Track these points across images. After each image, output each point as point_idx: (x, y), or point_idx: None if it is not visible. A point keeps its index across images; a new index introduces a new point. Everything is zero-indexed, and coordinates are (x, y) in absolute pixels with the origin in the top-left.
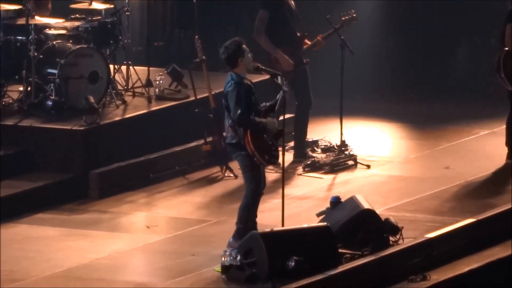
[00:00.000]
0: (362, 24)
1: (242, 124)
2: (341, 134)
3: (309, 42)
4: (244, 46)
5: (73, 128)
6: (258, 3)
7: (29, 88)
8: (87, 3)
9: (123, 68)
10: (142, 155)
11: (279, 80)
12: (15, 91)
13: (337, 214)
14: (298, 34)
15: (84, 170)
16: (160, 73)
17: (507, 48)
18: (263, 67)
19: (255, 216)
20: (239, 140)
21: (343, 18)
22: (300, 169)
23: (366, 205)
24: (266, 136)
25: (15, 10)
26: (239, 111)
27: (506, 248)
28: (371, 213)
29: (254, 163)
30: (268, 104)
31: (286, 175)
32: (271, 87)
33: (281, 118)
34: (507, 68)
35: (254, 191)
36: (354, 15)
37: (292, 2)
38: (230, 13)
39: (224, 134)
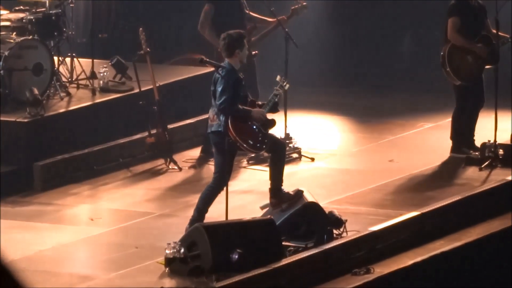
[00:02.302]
0: (306, 16)
1: (225, 111)
2: (285, 126)
3: (271, 20)
4: (245, 41)
5: (17, 120)
6: None
7: None
8: None
9: (68, 60)
10: (86, 147)
11: (278, 78)
12: None
13: (281, 207)
14: (248, 26)
15: (28, 162)
16: (104, 65)
17: (451, 42)
18: (208, 60)
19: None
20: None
21: (292, 7)
22: (244, 162)
23: (310, 198)
24: (252, 124)
25: None
26: (223, 98)
27: (450, 241)
28: (315, 206)
29: (230, 153)
30: (260, 102)
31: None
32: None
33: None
34: (452, 62)
35: (220, 180)
36: (304, 3)
37: None
38: (175, 5)
39: (209, 121)
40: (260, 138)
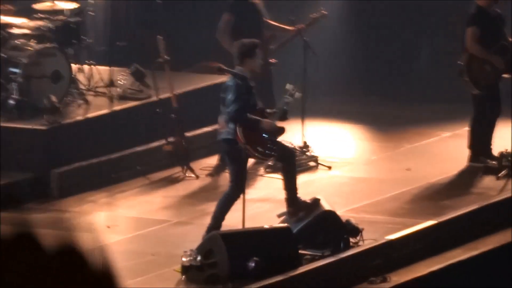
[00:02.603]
0: (324, 25)
1: (236, 118)
2: (303, 135)
3: (290, 28)
4: (257, 50)
5: (35, 127)
6: (226, 6)
7: None
8: (50, 3)
9: (86, 67)
10: (103, 154)
11: (288, 86)
12: None
13: (298, 216)
14: (267, 35)
15: (45, 169)
16: (123, 73)
17: (469, 52)
18: (225, 68)
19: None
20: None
21: (312, 16)
22: (261, 170)
23: (327, 207)
24: (261, 132)
25: None
26: (233, 106)
27: (467, 251)
28: (332, 215)
29: (242, 159)
30: (269, 110)
31: (248, 176)
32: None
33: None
34: (471, 71)
35: (236, 189)
36: (325, 12)
37: (261, 4)
38: (194, 14)
39: (218, 128)
40: (269, 145)
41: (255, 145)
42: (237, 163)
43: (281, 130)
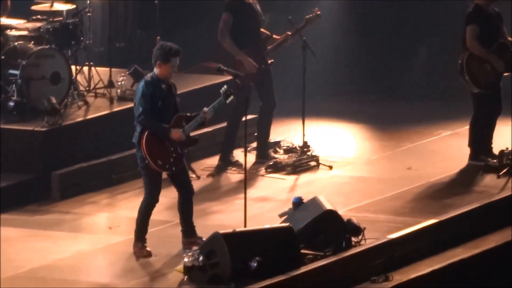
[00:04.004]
0: (322, 25)
1: (141, 123)
2: (303, 135)
3: (278, 37)
4: (173, 58)
5: (35, 129)
6: (224, 6)
7: None
8: (49, 4)
9: (85, 69)
10: (104, 156)
11: (223, 89)
12: None
13: (300, 215)
14: (263, 35)
15: (46, 171)
16: (122, 74)
17: (469, 51)
18: (225, 68)
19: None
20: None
21: (307, 17)
22: (262, 170)
23: (328, 206)
24: (168, 142)
25: None
26: (140, 110)
27: (468, 249)
28: (333, 214)
29: (153, 168)
30: (189, 114)
31: (249, 176)
32: (233, 88)
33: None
34: (471, 70)
35: (148, 198)
36: (318, 12)
37: (257, 4)
38: (192, 14)
39: None
40: (171, 160)
41: (155, 157)
42: (144, 170)
43: (193, 142)
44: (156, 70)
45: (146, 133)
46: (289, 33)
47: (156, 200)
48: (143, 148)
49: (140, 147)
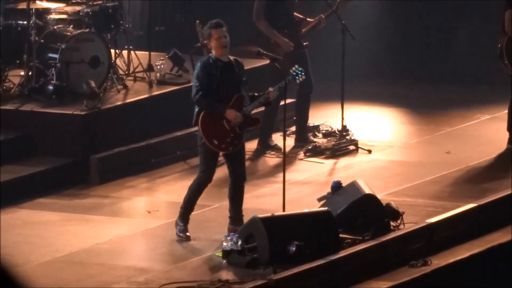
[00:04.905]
0: (361, 7)
1: (196, 103)
2: (342, 119)
3: (312, 20)
4: (211, 27)
5: (74, 112)
6: None
7: (30, 73)
8: None
9: (124, 52)
10: (143, 140)
11: (293, 69)
12: (16, 75)
13: (338, 199)
14: (296, 18)
15: (85, 155)
16: (161, 58)
17: (509, 34)
18: (264, 52)
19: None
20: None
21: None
22: (301, 154)
23: (367, 190)
24: (226, 122)
25: None
26: (194, 89)
27: (507, 234)
28: (372, 198)
29: (209, 148)
30: (253, 94)
31: (287, 160)
32: (272, 72)
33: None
34: (510, 54)
35: (201, 176)
36: None
37: None
38: None
39: None
40: (228, 140)
41: (211, 136)
42: (201, 148)
43: (252, 122)
44: (207, 49)
45: (203, 112)
46: (322, 16)
47: (209, 180)
48: (199, 127)
49: (197, 126)
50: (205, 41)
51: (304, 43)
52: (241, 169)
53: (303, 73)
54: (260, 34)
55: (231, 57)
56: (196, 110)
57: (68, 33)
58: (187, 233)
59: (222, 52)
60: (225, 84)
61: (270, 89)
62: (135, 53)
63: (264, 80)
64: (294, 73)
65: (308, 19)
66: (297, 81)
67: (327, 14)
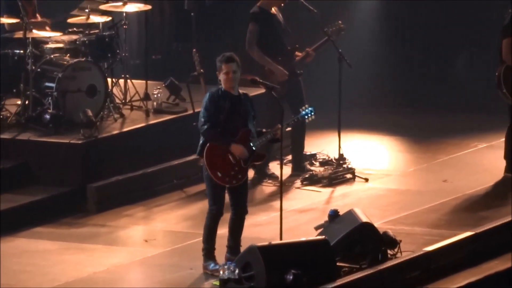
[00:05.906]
0: (358, 35)
1: (202, 134)
2: (339, 147)
3: (299, 54)
4: (222, 62)
5: (71, 141)
6: (249, 17)
7: (27, 102)
8: (85, 17)
9: (121, 81)
10: (140, 168)
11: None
12: (13, 104)
13: (336, 228)
14: (288, 47)
15: (82, 183)
16: (158, 87)
17: (506, 63)
18: (260, 80)
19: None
20: None
21: (325, 29)
22: (298, 183)
23: (364, 219)
24: (231, 155)
25: (12, 23)
26: (201, 121)
27: (505, 261)
28: (369, 227)
29: (215, 182)
30: (261, 130)
31: (284, 189)
32: (268, 100)
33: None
34: (508, 82)
35: (212, 210)
36: (342, 26)
37: (280, 16)
38: (228, 26)
39: None
40: (233, 173)
41: (215, 169)
42: (207, 181)
43: (258, 157)
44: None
45: (209, 144)
46: (309, 49)
47: (221, 213)
48: (204, 158)
49: (202, 158)
50: (216, 72)
51: (298, 71)
52: (243, 203)
53: (313, 113)
54: (254, 62)
55: (241, 91)
56: (202, 141)
57: (65, 62)
58: (218, 265)
59: (229, 86)
60: (232, 117)
61: (279, 125)
62: (132, 82)
63: (260, 109)
64: (304, 112)
65: (297, 53)
66: (307, 121)
67: (315, 47)
